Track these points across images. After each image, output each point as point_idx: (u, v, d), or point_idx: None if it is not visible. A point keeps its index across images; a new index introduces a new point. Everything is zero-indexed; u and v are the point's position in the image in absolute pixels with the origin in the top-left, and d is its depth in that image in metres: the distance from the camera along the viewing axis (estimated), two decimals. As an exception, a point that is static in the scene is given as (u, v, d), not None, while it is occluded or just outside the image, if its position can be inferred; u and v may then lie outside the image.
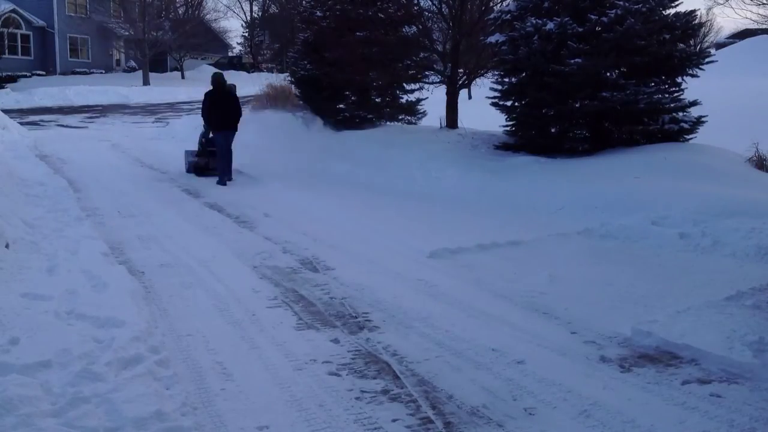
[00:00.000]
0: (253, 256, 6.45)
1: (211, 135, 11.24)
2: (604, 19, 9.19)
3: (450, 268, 6.05)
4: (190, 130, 17.85)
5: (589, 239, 6.85)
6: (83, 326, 4.37)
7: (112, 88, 32.85)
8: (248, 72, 44.31)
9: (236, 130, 11.13)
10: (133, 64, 43.96)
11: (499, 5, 12.26)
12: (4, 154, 12.50)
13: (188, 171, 11.75)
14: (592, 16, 9.30)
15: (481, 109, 12.33)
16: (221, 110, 10.92)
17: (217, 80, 11.18)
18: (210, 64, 49.03)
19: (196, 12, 51.86)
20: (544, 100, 9.80)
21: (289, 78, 16.59)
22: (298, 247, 6.78)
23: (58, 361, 3.76)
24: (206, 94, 11.09)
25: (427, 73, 13.34)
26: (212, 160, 11.31)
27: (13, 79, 35.24)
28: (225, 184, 10.64)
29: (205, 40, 47.46)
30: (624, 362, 4.00)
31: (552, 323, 4.66)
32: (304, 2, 17.02)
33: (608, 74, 9.69)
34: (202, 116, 11.34)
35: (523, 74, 10.24)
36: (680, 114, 9.69)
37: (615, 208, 7.55)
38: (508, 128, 10.67)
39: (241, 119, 11.26)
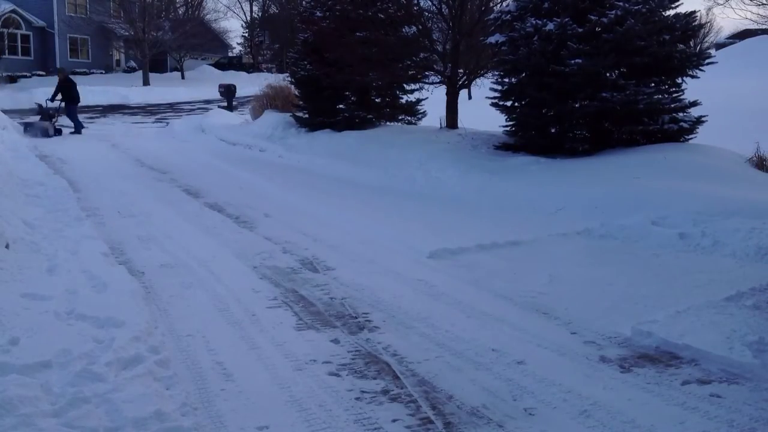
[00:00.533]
0: (253, 256, 6.45)
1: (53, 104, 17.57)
2: (604, 19, 9.20)
3: (450, 268, 6.05)
4: (190, 130, 17.91)
5: (589, 239, 6.85)
6: (83, 326, 4.37)
7: (112, 88, 32.86)
8: (248, 72, 44.36)
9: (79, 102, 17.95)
10: (133, 64, 43.98)
11: (499, 5, 12.27)
12: (4, 154, 12.49)
13: (26, 134, 16.71)
14: (592, 17, 9.31)
15: (481, 109, 12.33)
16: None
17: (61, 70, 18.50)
18: (210, 65, 49.07)
19: (196, 12, 51.89)
20: (544, 101, 9.80)
21: (289, 78, 16.60)
22: (298, 247, 6.78)
23: (58, 361, 3.76)
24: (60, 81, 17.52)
25: (427, 73, 13.33)
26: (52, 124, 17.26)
27: (13, 79, 35.25)
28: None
29: (205, 41, 47.45)
30: (624, 362, 4.00)
31: (552, 323, 4.66)
32: (304, 2, 17.04)
33: (608, 75, 9.69)
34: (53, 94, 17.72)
35: (523, 74, 10.24)
36: (680, 114, 9.69)
37: (615, 208, 7.55)
38: (508, 128, 10.67)
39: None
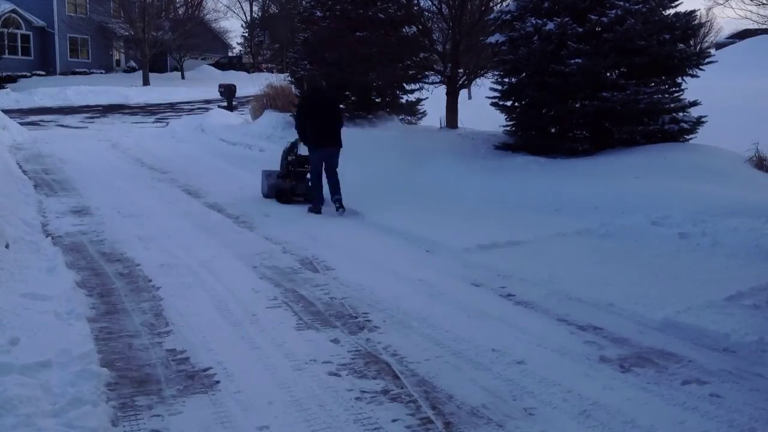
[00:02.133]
0: (253, 256, 6.45)
1: (300, 152, 9.27)
2: (604, 19, 9.20)
3: (450, 267, 6.05)
4: (190, 130, 17.91)
5: (589, 239, 6.85)
6: (83, 326, 4.38)
7: (112, 88, 32.85)
8: (248, 72, 44.33)
9: (340, 146, 8.65)
10: (133, 64, 43.97)
11: (499, 5, 12.28)
12: (4, 154, 12.51)
13: (267, 196, 9.46)
14: (592, 17, 9.31)
15: (481, 109, 12.33)
16: (320, 120, 8.56)
17: (314, 81, 9.30)
18: (210, 65, 49.05)
19: (196, 12, 51.80)
20: (544, 101, 9.80)
21: (289, 78, 16.60)
22: (298, 247, 6.78)
23: (58, 361, 3.76)
24: (301, 100, 8.98)
25: (427, 73, 13.35)
26: (300, 183, 9.27)
27: (13, 79, 35.26)
28: (319, 212, 8.52)
29: (205, 40, 47.46)
30: (624, 362, 4.00)
31: (552, 323, 4.66)
32: (304, 2, 17.05)
33: (608, 74, 9.70)
34: (296, 129, 8.96)
35: (523, 74, 10.24)
36: (680, 114, 9.69)
37: (615, 208, 7.55)
38: (508, 128, 10.67)
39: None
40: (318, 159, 8.59)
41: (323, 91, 9.10)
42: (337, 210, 8.38)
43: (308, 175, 9.06)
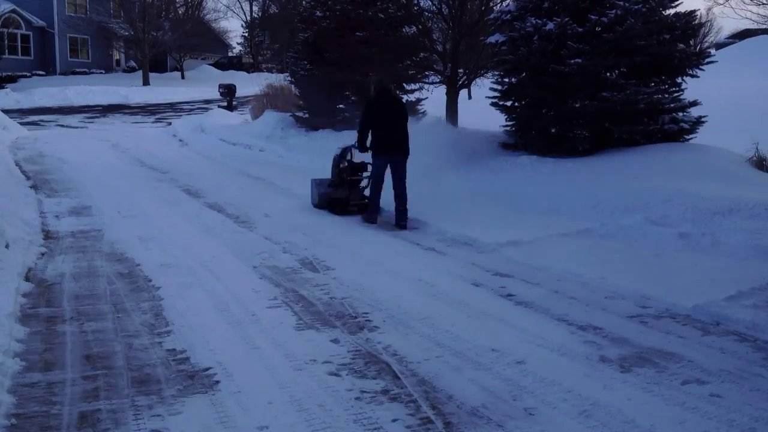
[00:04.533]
0: (253, 256, 6.45)
1: (355, 159, 8.87)
2: (604, 19, 9.19)
3: (450, 267, 6.05)
4: (190, 130, 17.92)
5: (589, 239, 6.84)
6: (83, 326, 4.38)
7: (112, 88, 32.85)
8: (248, 72, 44.32)
9: (407, 154, 7.99)
10: (133, 64, 43.97)
11: (499, 5, 12.26)
12: (4, 154, 12.50)
13: (317, 206, 8.90)
14: (592, 17, 9.30)
15: (481, 109, 12.32)
16: (389, 125, 7.97)
17: (382, 82, 8.53)
18: (210, 65, 49.05)
19: (196, 12, 51.84)
20: (544, 100, 9.80)
21: (289, 78, 16.61)
22: (298, 247, 6.78)
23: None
24: (368, 103, 8.33)
25: (427, 73, 13.34)
26: (353, 192, 8.81)
27: (13, 79, 35.25)
28: (375, 222, 8.05)
29: (205, 40, 47.46)
30: (624, 362, 4.00)
31: (552, 323, 4.66)
32: (304, 2, 17.04)
33: (608, 74, 9.69)
34: (359, 133, 8.17)
35: (523, 74, 10.23)
36: (680, 114, 9.68)
37: (615, 208, 7.55)
38: (508, 128, 10.66)
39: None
40: (383, 165, 7.96)
41: (392, 93, 8.61)
42: (397, 224, 7.73)
43: (363, 183, 8.75)
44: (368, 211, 8.12)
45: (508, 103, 10.58)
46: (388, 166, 7.91)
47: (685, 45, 9.88)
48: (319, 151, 12.70)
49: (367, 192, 8.51)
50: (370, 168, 8.37)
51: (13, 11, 38.23)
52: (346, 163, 8.85)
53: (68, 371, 3.89)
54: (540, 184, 8.70)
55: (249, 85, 21.12)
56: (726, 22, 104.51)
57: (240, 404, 3.50)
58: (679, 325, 4.54)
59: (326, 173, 9.02)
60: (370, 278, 5.70)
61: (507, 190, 8.81)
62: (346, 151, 8.89)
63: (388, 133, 7.87)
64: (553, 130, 10.16)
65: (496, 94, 10.62)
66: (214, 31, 53.61)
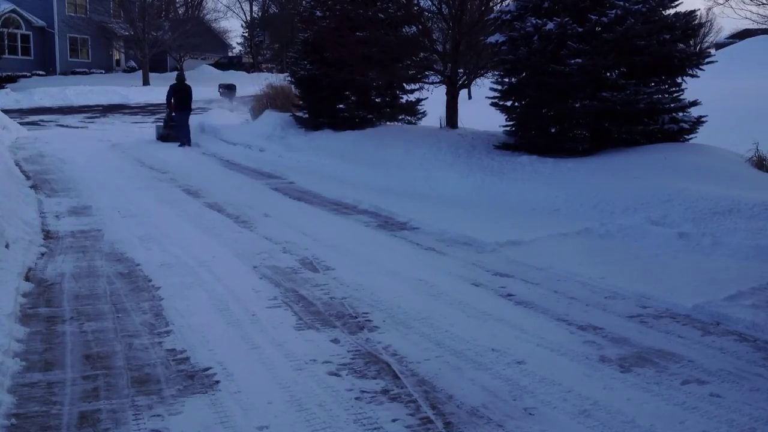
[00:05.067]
0: (253, 255, 6.44)
1: (173, 114, 16.07)
2: (604, 19, 9.20)
3: (450, 267, 6.05)
4: (190, 129, 17.87)
5: (589, 239, 6.85)
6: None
7: (112, 88, 32.87)
8: (248, 72, 44.32)
9: (191, 110, 16.20)
10: (133, 64, 43.98)
11: (499, 5, 12.27)
12: (4, 154, 12.50)
13: (158, 139, 16.61)
14: (592, 16, 9.31)
15: (481, 109, 12.33)
16: (180, 97, 15.94)
17: (179, 76, 16.68)
18: (210, 65, 49.03)
19: (196, 12, 51.88)
20: (544, 100, 9.80)
21: (289, 78, 16.61)
22: (298, 247, 6.77)
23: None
24: (170, 87, 16.18)
25: (427, 73, 13.34)
26: (173, 131, 16.08)
27: (13, 79, 35.26)
28: (183, 146, 15.44)
29: (205, 40, 47.46)
30: (624, 362, 4.00)
31: (552, 323, 4.66)
32: (304, 2, 17.05)
33: (608, 74, 9.69)
34: (166, 102, 16.26)
35: (523, 74, 10.24)
36: (680, 114, 9.69)
37: (615, 208, 7.55)
38: (508, 128, 10.67)
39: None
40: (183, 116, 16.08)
41: (185, 82, 16.27)
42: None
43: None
44: (180, 142, 15.62)
45: (508, 103, 10.59)
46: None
47: (685, 45, 9.89)
48: (320, 151, 12.73)
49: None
50: (176, 118, 15.94)
51: (13, 11, 38.25)
52: (169, 117, 16.26)
53: (68, 371, 3.89)
54: (540, 184, 8.70)
55: (249, 85, 21.11)
56: (726, 22, 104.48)
57: (240, 404, 3.50)
58: (679, 325, 4.55)
59: (326, 172, 9.16)
60: (370, 278, 5.70)
61: (507, 189, 8.82)
62: (170, 111, 16.18)
63: (181, 100, 15.86)
64: (553, 130, 10.17)
65: (496, 94, 10.63)
66: (214, 31, 53.64)
